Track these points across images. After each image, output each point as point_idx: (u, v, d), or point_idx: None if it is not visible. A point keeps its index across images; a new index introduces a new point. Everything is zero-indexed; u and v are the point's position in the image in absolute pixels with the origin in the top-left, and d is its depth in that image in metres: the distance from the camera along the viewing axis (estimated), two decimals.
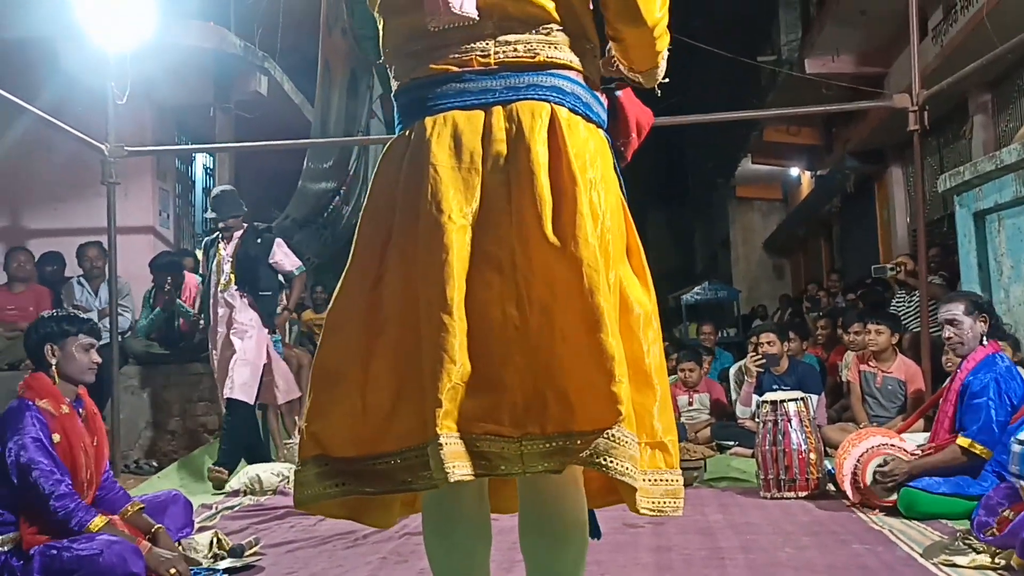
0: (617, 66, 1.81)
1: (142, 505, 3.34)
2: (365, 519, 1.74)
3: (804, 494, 4.44)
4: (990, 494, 3.32)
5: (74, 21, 5.89)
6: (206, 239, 6.21)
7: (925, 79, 6.04)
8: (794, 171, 19.32)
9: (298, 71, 10.10)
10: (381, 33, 1.79)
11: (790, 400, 4.67)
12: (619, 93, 1.82)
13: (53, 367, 3.18)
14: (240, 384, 5.67)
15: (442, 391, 1.49)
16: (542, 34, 1.66)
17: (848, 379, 6.17)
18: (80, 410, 3.27)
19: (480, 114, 1.63)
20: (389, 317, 1.62)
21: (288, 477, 5.24)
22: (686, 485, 5.16)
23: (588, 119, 1.68)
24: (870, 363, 5.95)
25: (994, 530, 3.02)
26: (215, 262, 5.92)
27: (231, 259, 5.87)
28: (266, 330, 5.91)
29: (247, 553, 3.39)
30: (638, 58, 1.77)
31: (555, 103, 1.64)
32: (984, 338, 3.89)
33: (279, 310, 6.21)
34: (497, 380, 1.53)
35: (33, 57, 7.41)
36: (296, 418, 7.13)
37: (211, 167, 9.92)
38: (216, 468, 5.45)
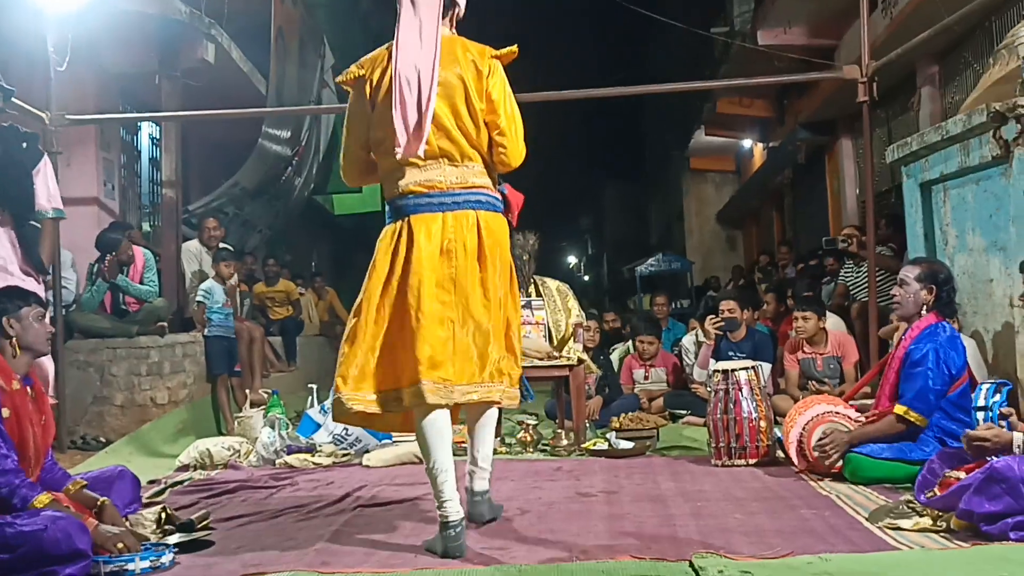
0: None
1: (84, 483, 3.28)
2: (376, 427, 3.51)
3: (754, 461, 4.50)
4: (933, 458, 3.40)
5: None
6: None
7: (875, 51, 6.09)
8: (747, 143, 19.46)
9: (246, 37, 9.88)
10: (379, 166, 3.27)
11: (741, 369, 4.71)
12: (504, 190, 3.29)
13: (13, 339, 3.18)
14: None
15: (421, 361, 2.99)
16: (468, 167, 3.15)
17: (786, 367, 6.33)
18: (29, 388, 3.21)
19: (439, 216, 3.09)
20: (388, 318, 3.08)
21: (239, 451, 5.18)
22: (639, 454, 5.21)
23: (495, 211, 3.19)
24: (805, 349, 6.19)
25: (935, 491, 3.08)
26: None
27: None
28: (41, 279, 4.44)
29: (197, 528, 3.34)
30: (511, 166, 3.28)
31: (477, 209, 3.13)
32: (925, 308, 3.94)
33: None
34: (448, 357, 3.04)
35: None
36: (247, 391, 7.06)
37: (157, 137, 9.70)
38: None
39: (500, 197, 3.23)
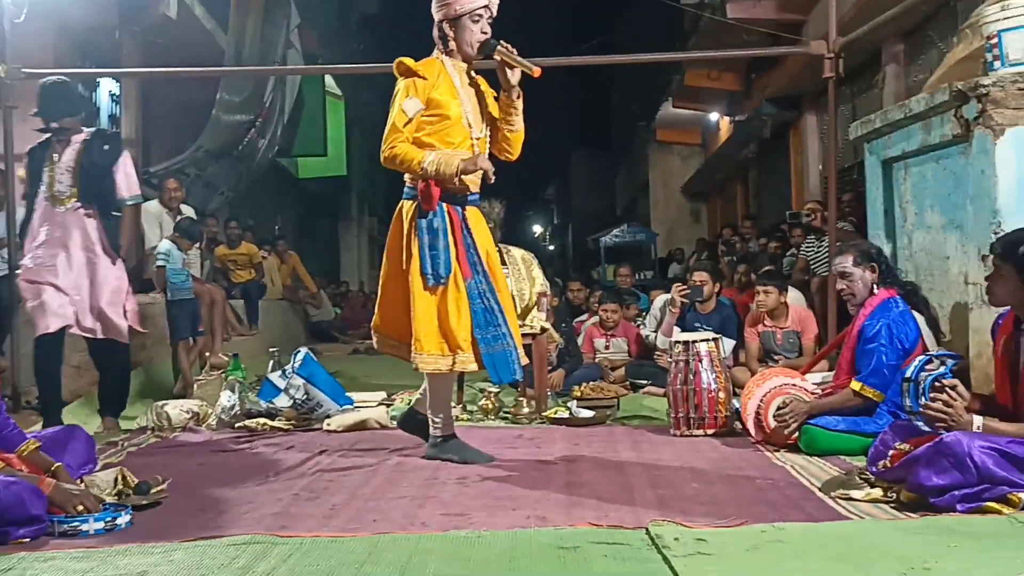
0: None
1: (39, 443, 3.22)
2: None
3: (712, 432, 4.55)
4: (885, 431, 3.46)
5: None
6: (31, 147, 5.13)
7: (842, 27, 6.11)
8: (714, 116, 19.50)
9: None
10: None
11: (701, 340, 4.76)
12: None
13: None
14: (133, 312, 5.10)
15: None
16: None
17: (746, 340, 6.38)
18: None
19: None
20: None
21: (197, 414, 5.14)
22: (600, 423, 5.23)
23: (406, 199, 3.98)
24: (765, 323, 6.25)
25: (887, 462, 3.14)
26: (47, 172, 4.97)
27: (72, 168, 4.95)
28: (118, 260, 5.05)
29: (154, 490, 3.30)
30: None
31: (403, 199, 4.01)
32: (876, 286, 4.01)
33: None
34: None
35: None
36: (207, 355, 6.99)
37: (117, 94, 9.51)
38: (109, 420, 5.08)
39: (417, 185, 3.89)
